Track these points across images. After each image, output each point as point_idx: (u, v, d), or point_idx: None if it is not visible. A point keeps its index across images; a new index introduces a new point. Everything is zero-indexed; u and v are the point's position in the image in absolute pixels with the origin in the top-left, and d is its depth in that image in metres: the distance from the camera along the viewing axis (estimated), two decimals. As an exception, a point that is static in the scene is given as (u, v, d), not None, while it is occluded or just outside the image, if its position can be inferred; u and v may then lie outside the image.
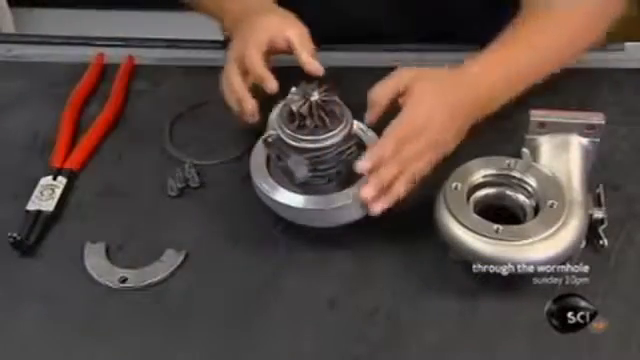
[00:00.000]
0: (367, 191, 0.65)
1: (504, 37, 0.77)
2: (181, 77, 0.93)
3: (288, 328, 0.64)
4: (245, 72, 0.75)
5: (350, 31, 0.95)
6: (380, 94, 0.71)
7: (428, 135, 0.67)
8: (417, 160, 0.67)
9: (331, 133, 0.65)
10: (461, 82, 0.72)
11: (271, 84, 0.72)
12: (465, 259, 0.64)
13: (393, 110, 0.70)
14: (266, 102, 0.74)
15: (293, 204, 0.66)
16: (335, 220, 0.68)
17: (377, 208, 0.65)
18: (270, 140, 0.67)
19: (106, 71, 0.94)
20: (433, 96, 0.69)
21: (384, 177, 0.65)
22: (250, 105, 0.74)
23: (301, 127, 0.64)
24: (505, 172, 0.68)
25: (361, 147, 0.70)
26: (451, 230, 0.64)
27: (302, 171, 0.66)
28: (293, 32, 0.76)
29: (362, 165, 0.65)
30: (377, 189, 0.65)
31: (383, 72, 0.88)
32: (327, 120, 0.65)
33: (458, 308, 0.65)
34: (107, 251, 0.71)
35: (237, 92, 0.75)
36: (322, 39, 0.79)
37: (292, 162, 0.66)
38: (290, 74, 0.71)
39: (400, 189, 0.66)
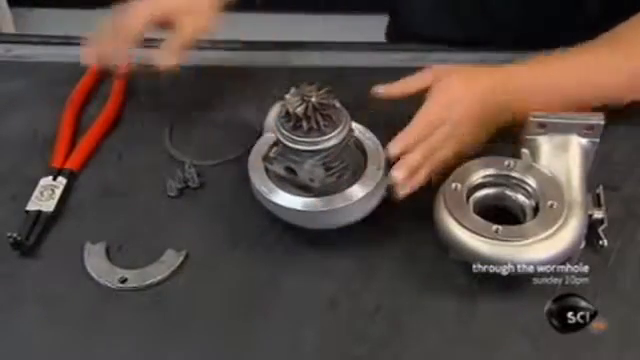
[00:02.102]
0: (398, 173, 0.66)
1: (595, 40, 0.73)
2: (181, 77, 0.93)
3: (288, 328, 0.64)
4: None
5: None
6: (408, 87, 0.72)
7: (453, 123, 0.68)
8: (441, 148, 0.68)
9: (340, 127, 0.65)
10: (496, 81, 0.71)
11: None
12: (465, 259, 0.64)
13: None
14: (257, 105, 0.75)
15: (292, 206, 0.66)
16: (335, 222, 0.68)
17: (403, 192, 0.66)
18: (272, 156, 0.67)
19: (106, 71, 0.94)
20: (461, 86, 0.70)
21: (411, 163, 0.67)
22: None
23: (310, 129, 0.64)
24: (505, 172, 0.68)
25: (358, 146, 0.70)
26: (451, 230, 0.64)
27: (319, 174, 0.65)
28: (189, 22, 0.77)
29: (391, 151, 0.67)
30: (406, 173, 0.66)
31: (383, 72, 0.88)
32: (334, 117, 0.65)
33: (458, 308, 0.65)
34: (107, 251, 0.71)
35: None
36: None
37: (308, 168, 0.65)
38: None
39: (422, 176, 0.67)
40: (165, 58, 0.77)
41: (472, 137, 0.69)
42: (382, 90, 0.72)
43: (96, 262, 0.70)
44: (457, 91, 0.69)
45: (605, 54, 0.74)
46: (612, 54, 0.74)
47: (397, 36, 1.09)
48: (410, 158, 0.67)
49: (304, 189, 0.67)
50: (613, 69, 0.74)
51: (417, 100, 0.82)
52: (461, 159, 0.69)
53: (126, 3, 0.77)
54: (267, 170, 0.69)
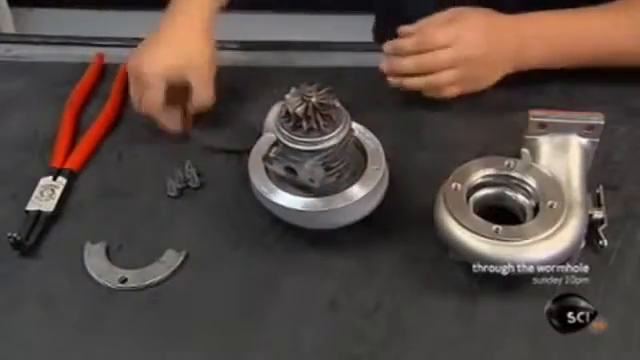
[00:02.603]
0: (383, 65, 0.79)
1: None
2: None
3: (288, 328, 0.64)
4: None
5: None
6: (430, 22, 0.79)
7: (458, 50, 0.75)
8: (441, 70, 0.76)
9: (340, 127, 0.65)
10: (507, 23, 0.79)
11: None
12: (465, 259, 0.64)
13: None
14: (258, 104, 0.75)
15: (292, 206, 0.66)
16: (335, 222, 0.68)
17: (392, 81, 0.80)
18: (272, 156, 0.67)
19: (106, 71, 0.94)
20: (474, 19, 0.77)
21: (398, 63, 0.78)
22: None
23: (310, 129, 0.64)
24: (505, 172, 0.68)
25: (358, 146, 0.70)
26: (451, 230, 0.64)
27: (319, 174, 0.65)
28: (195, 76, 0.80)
29: (384, 48, 0.79)
30: (390, 68, 0.78)
31: (383, 72, 0.88)
32: (334, 117, 0.65)
33: (458, 308, 0.65)
34: (107, 251, 0.71)
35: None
36: None
37: (308, 168, 0.65)
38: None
39: (415, 82, 0.78)
40: (174, 126, 0.82)
41: (477, 73, 0.77)
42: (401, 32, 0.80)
43: (96, 262, 0.70)
44: (468, 23, 0.77)
45: (610, 14, 0.79)
46: (618, 14, 0.79)
47: (387, 33, 1.08)
48: (400, 60, 0.78)
49: (304, 189, 0.67)
50: (615, 29, 0.79)
51: (419, 100, 0.82)
52: (469, 91, 0.80)
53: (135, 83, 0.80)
54: (267, 170, 0.69)
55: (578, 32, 0.80)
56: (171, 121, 0.81)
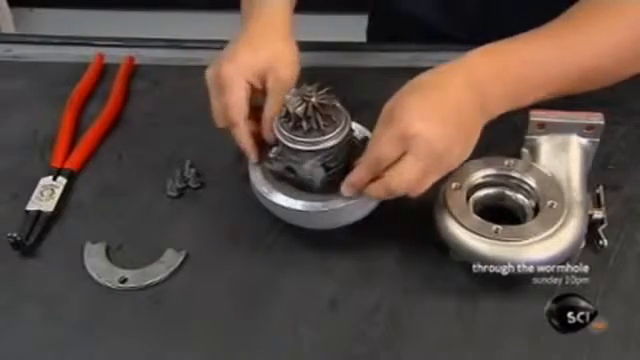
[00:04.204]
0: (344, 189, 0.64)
1: (538, 28, 0.65)
2: (181, 77, 0.93)
3: (288, 328, 0.64)
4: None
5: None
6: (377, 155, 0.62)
7: (423, 162, 0.60)
8: (409, 183, 0.61)
9: (340, 127, 0.65)
10: (456, 88, 0.61)
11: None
12: (465, 259, 0.64)
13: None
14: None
15: (292, 206, 0.66)
16: (334, 222, 0.68)
17: (346, 192, 0.64)
18: (272, 156, 0.67)
19: (106, 71, 0.94)
20: (423, 120, 0.59)
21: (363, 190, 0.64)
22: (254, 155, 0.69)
23: (310, 130, 0.64)
24: (505, 172, 0.68)
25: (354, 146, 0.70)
26: (451, 230, 0.64)
27: (319, 174, 0.65)
28: (273, 79, 0.69)
29: (344, 192, 0.64)
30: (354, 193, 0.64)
31: (384, 72, 0.88)
32: (334, 117, 0.65)
33: (458, 308, 0.65)
34: (107, 251, 0.71)
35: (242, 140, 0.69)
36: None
37: (308, 168, 0.66)
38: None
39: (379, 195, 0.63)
40: (266, 134, 0.69)
41: (451, 163, 0.62)
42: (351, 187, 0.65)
43: (96, 262, 0.70)
44: (421, 128, 0.59)
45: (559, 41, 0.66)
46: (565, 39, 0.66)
47: (383, 32, 1.06)
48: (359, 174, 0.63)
49: (304, 189, 0.67)
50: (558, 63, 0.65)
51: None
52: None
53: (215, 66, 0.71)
54: (267, 170, 0.69)
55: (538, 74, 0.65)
56: (250, 140, 0.69)
